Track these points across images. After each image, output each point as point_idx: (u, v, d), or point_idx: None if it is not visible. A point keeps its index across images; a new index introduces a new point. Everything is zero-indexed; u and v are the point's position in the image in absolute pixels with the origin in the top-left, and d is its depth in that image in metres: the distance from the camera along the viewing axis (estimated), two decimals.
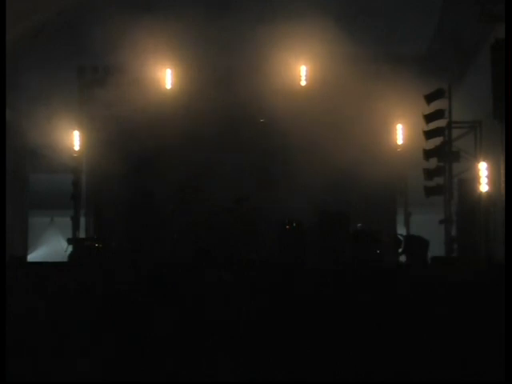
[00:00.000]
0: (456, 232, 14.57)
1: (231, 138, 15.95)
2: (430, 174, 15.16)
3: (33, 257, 17.42)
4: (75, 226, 15.62)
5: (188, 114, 16.22)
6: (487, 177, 14.41)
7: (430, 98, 15.17)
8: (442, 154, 15.15)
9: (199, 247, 13.24)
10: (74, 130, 15.98)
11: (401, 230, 15.44)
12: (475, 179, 14.62)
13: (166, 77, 16.23)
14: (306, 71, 16.15)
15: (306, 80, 16.20)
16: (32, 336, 10.93)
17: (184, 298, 11.11)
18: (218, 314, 11.04)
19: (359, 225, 14.08)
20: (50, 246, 18.03)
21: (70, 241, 14.92)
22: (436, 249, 14.19)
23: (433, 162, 15.22)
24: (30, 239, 17.41)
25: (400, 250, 13.58)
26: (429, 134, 15.23)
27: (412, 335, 10.90)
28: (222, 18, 15.47)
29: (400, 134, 16.08)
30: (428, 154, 15.20)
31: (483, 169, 14.57)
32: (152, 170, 16.02)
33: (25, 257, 15.85)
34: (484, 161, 14.73)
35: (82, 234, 15.66)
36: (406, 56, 16.19)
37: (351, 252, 13.03)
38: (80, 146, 16.00)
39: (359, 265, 12.13)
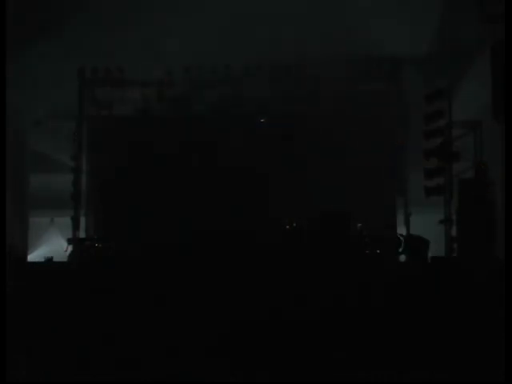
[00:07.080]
0: (456, 232, 14.55)
1: (230, 139, 15.91)
2: (430, 173, 15.17)
3: (33, 257, 17.40)
4: (75, 226, 15.61)
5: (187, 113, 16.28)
6: (487, 177, 14.40)
7: (429, 99, 15.17)
8: (442, 153, 15.16)
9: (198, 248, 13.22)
10: (74, 129, 15.95)
11: (401, 230, 15.43)
12: (475, 179, 14.60)
13: (166, 77, 16.19)
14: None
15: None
16: (32, 336, 10.94)
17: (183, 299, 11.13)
18: (217, 314, 11.05)
19: (359, 225, 14.04)
20: (50, 246, 18.01)
21: (70, 241, 14.94)
22: (436, 249, 14.19)
23: (433, 162, 15.23)
24: (30, 239, 17.39)
25: (400, 250, 13.58)
26: (429, 134, 15.24)
27: (412, 335, 10.91)
28: (221, 17, 15.48)
29: (400, 133, 16.08)
30: (428, 154, 15.22)
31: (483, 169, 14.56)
32: (152, 169, 15.99)
33: (25, 257, 15.83)
34: (484, 161, 14.74)
35: (82, 234, 15.64)
36: (405, 56, 16.18)
37: (351, 252, 13.01)
38: (80, 145, 15.98)
39: (359, 264, 12.12)
